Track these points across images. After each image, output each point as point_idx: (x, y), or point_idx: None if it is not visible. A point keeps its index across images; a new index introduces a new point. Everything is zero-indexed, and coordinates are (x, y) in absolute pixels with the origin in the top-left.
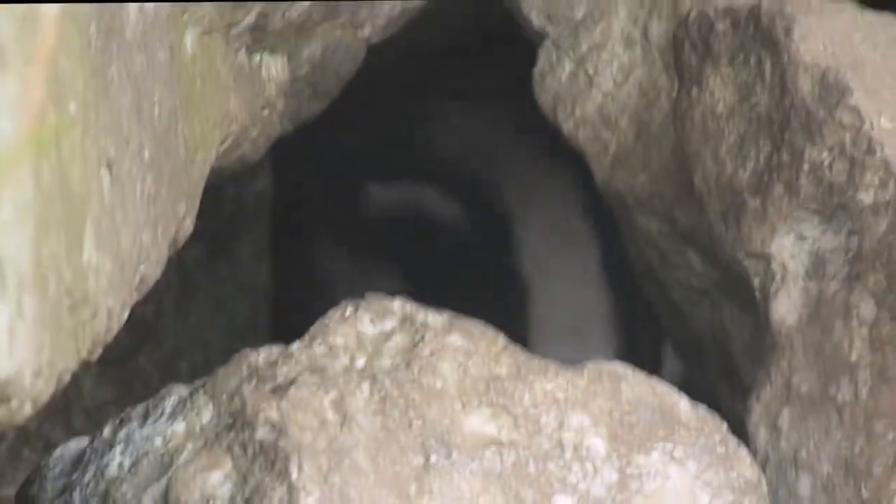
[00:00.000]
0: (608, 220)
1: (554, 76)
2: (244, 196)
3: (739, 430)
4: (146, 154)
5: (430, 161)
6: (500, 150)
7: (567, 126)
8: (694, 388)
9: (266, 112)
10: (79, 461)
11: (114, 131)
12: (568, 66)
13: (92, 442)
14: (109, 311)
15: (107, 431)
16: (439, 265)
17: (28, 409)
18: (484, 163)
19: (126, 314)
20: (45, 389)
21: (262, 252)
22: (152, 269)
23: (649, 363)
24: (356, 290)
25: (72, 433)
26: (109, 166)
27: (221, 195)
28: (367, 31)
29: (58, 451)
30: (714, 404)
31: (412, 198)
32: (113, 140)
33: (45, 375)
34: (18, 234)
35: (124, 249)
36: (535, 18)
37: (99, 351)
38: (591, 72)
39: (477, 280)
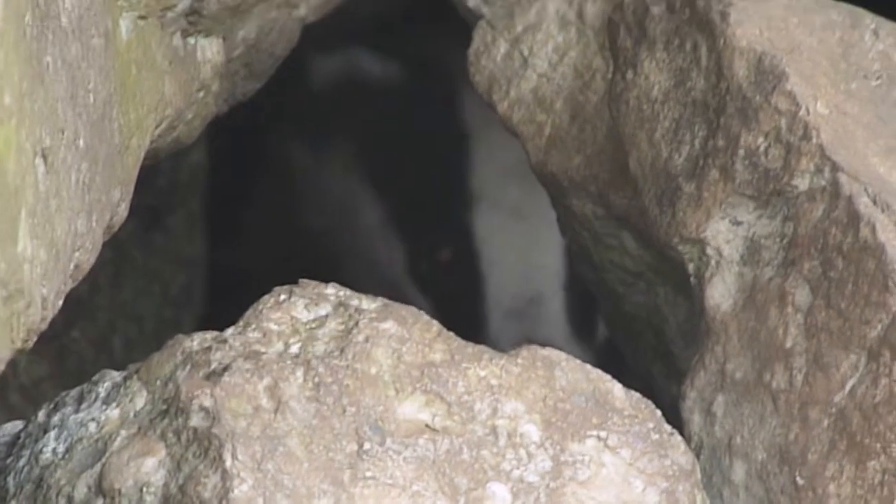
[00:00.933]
0: None
1: (489, 56)
2: (178, 170)
3: (673, 411)
4: (81, 142)
5: (370, 27)
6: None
7: (502, 107)
8: (627, 369)
9: (201, 94)
10: (13, 445)
11: (49, 120)
12: (503, 47)
13: (26, 426)
14: (44, 299)
15: (41, 415)
16: (386, 129)
17: None
18: (423, 23)
19: (60, 302)
20: None
21: (197, 223)
22: (87, 257)
23: None
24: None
25: (7, 409)
26: (45, 156)
27: (156, 169)
28: (302, 11)
29: None
30: (648, 385)
31: (351, 63)
32: (48, 129)
33: None
34: None
35: (59, 238)
36: None
37: (34, 339)
38: (525, 53)
39: (422, 138)
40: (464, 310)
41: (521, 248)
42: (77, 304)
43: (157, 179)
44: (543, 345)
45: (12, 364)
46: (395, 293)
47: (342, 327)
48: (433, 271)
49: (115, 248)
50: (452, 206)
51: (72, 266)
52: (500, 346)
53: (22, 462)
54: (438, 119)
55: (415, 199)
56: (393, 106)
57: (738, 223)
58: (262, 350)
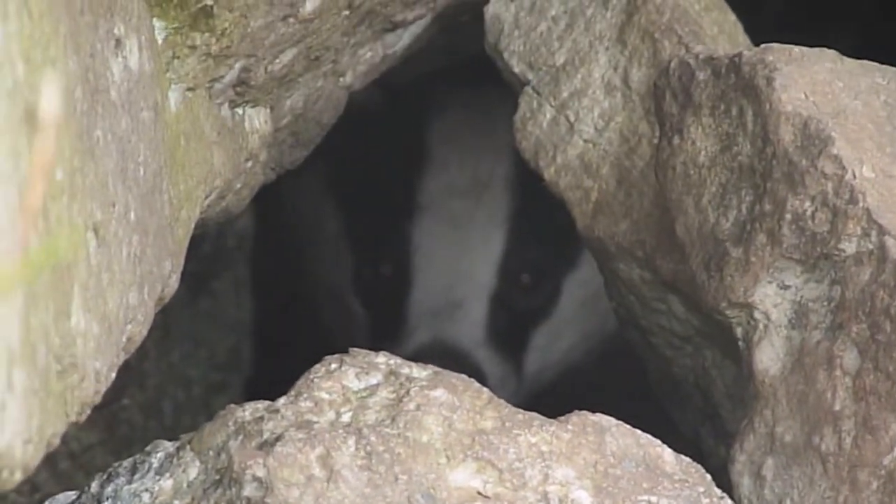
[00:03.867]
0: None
1: (535, 122)
2: (225, 235)
3: (722, 474)
4: (132, 215)
5: None
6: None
7: (548, 173)
8: (675, 432)
9: (249, 164)
10: None
11: (99, 194)
12: (549, 113)
13: (79, 496)
14: (97, 373)
15: (94, 486)
16: (355, 148)
17: (18, 477)
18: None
19: (113, 374)
20: (34, 456)
21: (243, 288)
22: (139, 329)
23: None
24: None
25: (57, 476)
26: (96, 230)
27: (202, 235)
28: (348, 79)
29: None
30: (696, 448)
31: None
32: (99, 203)
33: (35, 442)
34: (7, 309)
35: (111, 311)
36: (516, 65)
37: (87, 413)
38: (572, 118)
39: (383, 156)
40: (391, 314)
41: (451, 256)
42: (126, 371)
43: (203, 245)
44: (455, 348)
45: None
46: (339, 305)
47: (393, 395)
48: (374, 284)
49: (163, 313)
50: (399, 220)
51: (124, 339)
52: (411, 344)
53: None
54: (399, 138)
55: (368, 213)
56: (364, 127)
57: (786, 287)
58: (314, 419)
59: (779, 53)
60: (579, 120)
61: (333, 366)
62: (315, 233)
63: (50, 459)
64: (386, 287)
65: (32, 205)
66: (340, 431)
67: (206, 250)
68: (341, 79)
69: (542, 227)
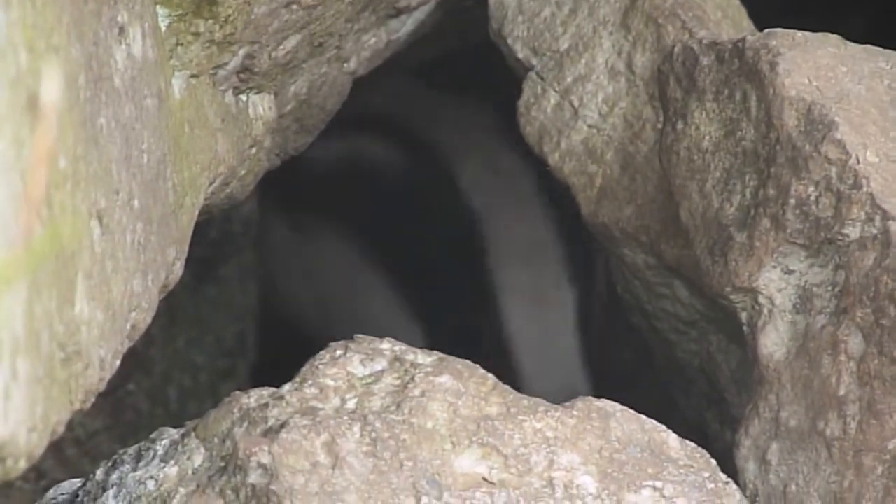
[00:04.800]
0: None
1: (539, 108)
2: (231, 221)
3: (727, 458)
4: (136, 203)
5: (369, 112)
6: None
7: (553, 158)
8: (680, 416)
9: (254, 150)
10: (71, 503)
11: (103, 182)
12: (553, 98)
13: (84, 484)
14: (101, 360)
15: (99, 473)
16: (386, 214)
17: (23, 465)
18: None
19: (118, 362)
20: (39, 444)
21: (249, 273)
22: (143, 316)
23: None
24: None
25: (63, 462)
26: (100, 217)
27: (208, 220)
28: (352, 65)
29: (51, 493)
30: (701, 432)
31: (353, 149)
32: (103, 191)
33: (39, 430)
34: (11, 298)
35: (115, 299)
36: (520, 50)
37: (92, 400)
38: (576, 103)
39: (427, 222)
40: None
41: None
42: (132, 357)
43: (209, 231)
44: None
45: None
46: None
47: (398, 382)
48: None
49: (168, 299)
50: None
51: (128, 326)
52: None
53: None
54: (442, 206)
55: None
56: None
57: (790, 272)
58: (319, 406)
59: (782, 38)
60: (583, 105)
61: (338, 352)
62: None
63: (55, 446)
64: None
65: (35, 194)
66: (345, 418)
67: (212, 236)
68: (345, 65)
69: None
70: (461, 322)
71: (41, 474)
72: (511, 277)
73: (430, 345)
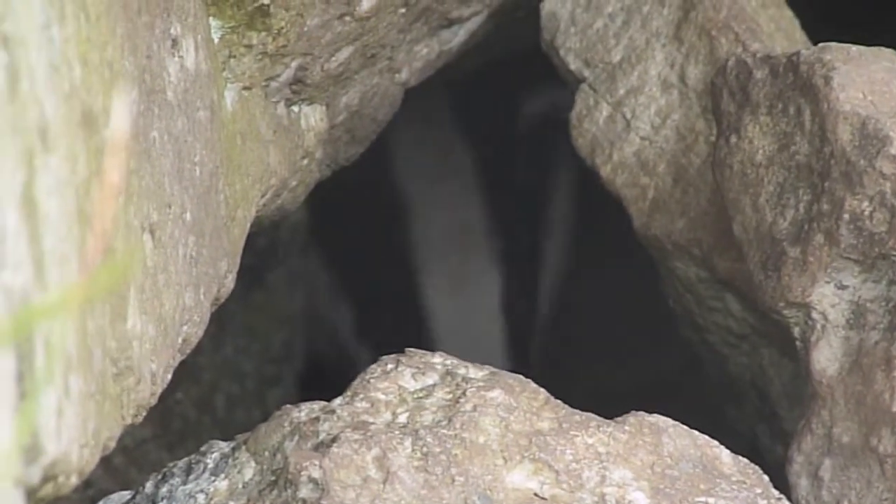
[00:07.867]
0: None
1: (591, 120)
2: (279, 228)
3: (779, 473)
4: (188, 216)
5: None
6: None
7: (604, 170)
8: (732, 430)
9: (305, 162)
10: None
11: (156, 195)
12: (605, 110)
13: (134, 496)
14: (153, 375)
15: (149, 486)
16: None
17: (74, 482)
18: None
19: (169, 376)
20: (91, 460)
21: (297, 280)
22: (195, 330)
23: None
24: None
25: (111, 472)
26: (152, 231)
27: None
28: (404, 76)
29: None
30: (753, 446)
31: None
32: (155, 204)
33: (91, 446)
34: (65, 316)
35: (167, 313)
36: (572, 62)
37: (143, 414)
38: (628, 115)
39: (358, 203)
40: None
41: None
42: (180, 366)
43: (257, 239)
44: None
45: None
46: None
47: (450, 396)
48: None
49: (217, 307)
50: None
51: (180, 340)
52: None
53: None
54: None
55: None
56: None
57: (844, 287)
58: (370, 420)
59: (836, 52)
60: (636, 117)
61: (389, 366)
62: None
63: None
64: None
65: (102, 231)
66: (397, 432)
67: (260, 244)
68: (397, 75)
69: None
70: (391, 306)
71: (89, 483)
72: (435, 261)
73: (360, 329)
